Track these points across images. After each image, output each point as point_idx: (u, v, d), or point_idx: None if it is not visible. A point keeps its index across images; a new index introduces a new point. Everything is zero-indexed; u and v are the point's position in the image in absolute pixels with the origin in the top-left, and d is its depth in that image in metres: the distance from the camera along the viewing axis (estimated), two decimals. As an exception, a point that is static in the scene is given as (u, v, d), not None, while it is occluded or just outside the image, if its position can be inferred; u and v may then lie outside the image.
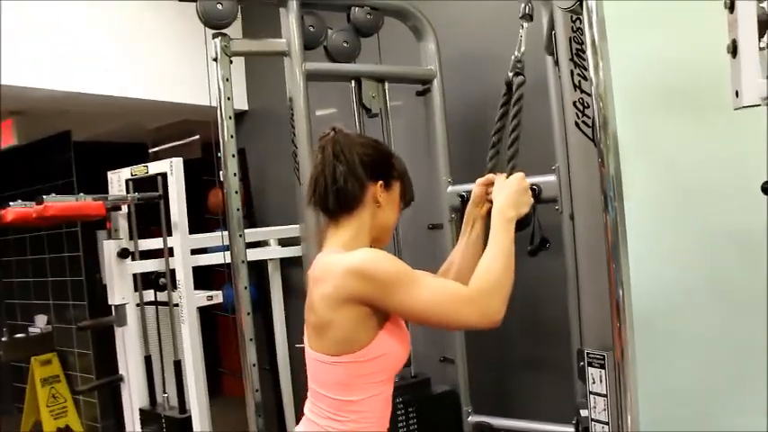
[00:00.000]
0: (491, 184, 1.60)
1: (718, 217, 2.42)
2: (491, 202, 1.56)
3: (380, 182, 1.46)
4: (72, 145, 4.90)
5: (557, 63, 2.13)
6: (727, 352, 2.37)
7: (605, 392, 1.89)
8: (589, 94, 1.95)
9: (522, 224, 1.54)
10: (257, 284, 3.79)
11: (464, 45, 2.98)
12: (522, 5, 1.76)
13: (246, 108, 4.06)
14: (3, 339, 5.11)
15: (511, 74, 1.72)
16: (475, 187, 1.64)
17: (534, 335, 2.94)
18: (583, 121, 1.95)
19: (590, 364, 1.99)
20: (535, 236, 2.61)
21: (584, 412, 2.16)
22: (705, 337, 2.46)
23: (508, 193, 1.50)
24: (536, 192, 1.84)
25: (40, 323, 5.31)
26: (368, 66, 2.74)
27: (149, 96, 3.68)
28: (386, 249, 1.48)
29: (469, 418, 2.81)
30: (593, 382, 1.99)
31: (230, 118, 2.47)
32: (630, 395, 1.71)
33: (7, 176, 5.55)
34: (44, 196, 2.48)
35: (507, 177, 1.57)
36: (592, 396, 2.00)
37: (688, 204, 2.53)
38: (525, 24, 1.76)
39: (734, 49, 1.47)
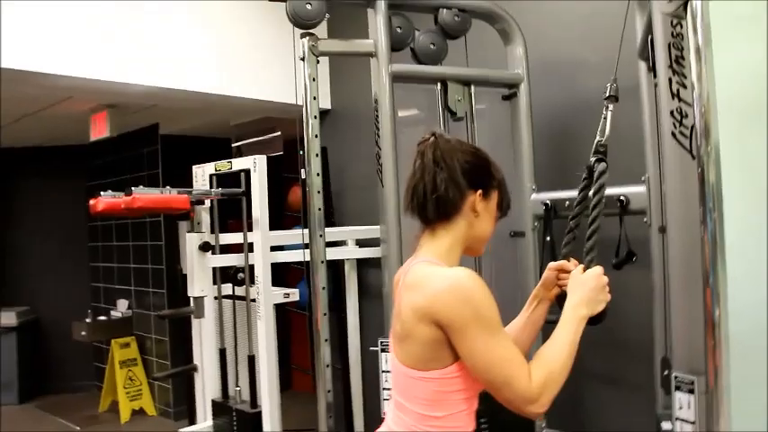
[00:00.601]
0: (564, 270, 1.53)
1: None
2: (560, 287, 1.52)
3: (480, 191, 1.40)
4: (159, 138, 5.08)
5: (651, 70, 2.03)
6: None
7: (694, 419, 1.78)
8: (688, 104, 1.84)
9: (595, 320, 1.45)
10: (332, 284, 3.81)
11: (552, 49, 2.90)
12: (609, 85, 1.67)
13: (329, 107, 4.08)
14: (87, 321, 5.33)
15: (593, 159, 1.63)
16: (546, 271, 1.57)
17: (613, 348, 2.84)
18: (680, 132, 1.84)
19: (678, 389, 1.88)
20: (621, 248, 2.52)
21: (665, 425, 2.06)
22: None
23: (584, 290, 1.42)
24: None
25: (122, 308, 5.53)
26: (454, 68, 2.69)
27: (235, 93, 3.75)
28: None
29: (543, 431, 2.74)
30: (680, 408, 1.88)
31: (315, 117, 2.48)
32: (724, 424, 1.61)
33: (99, 166, 5.81)
34: (133, 188, 2.56)
35: (585, 270, 1.48)
36: (678, 422, 1.90)
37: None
38: (611, 106, 1.67)
39: None
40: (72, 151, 5.85)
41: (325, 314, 2.48)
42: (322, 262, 2.48)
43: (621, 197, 2.47)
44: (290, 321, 5.15)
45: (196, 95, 3.69)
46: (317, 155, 2.48)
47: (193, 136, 5.16)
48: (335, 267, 3.65)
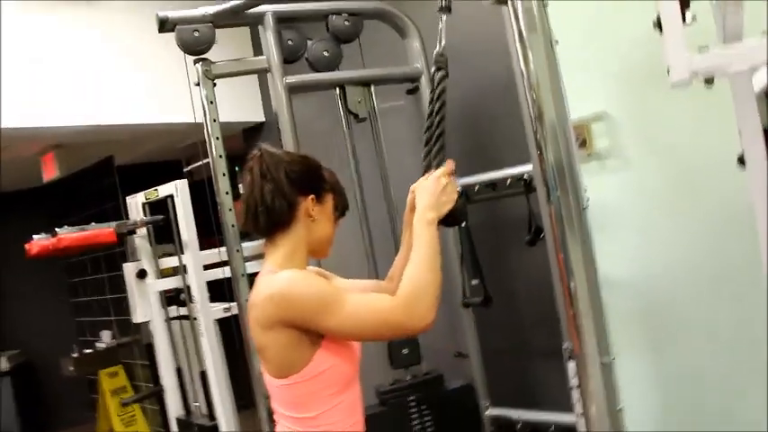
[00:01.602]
0: None
1: (717, 194, 2.35)
2: None
3: (311, 196, 1.46)
4: (115, 169, 5.17)
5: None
6: (731, 340, 2.30)
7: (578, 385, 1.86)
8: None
9: (451, 221, 1.48)
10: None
11: (454, 39, 2.95)
12: None
13: (263, 120, 4.16)
14: (74, 355, 5.45)
15: (433, 68, 1.70)
16: (410, 194, 1.59)
17: (550, 324, 2.91)
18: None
19: (569, 358, 1.96)
20: (532, 226, 2.60)
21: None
22: (708, 323, 2.39)
23: (427, 195, 1.45)
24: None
25: (106, 338, 5.63)
26: (350, 72, 2.77)
27: (171, 119, 3.83)
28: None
29: (488, 412, 2.81)
30: (573, 376, 1.96)
31: (218, 138, 2.56)
32: (593, 386, 1.69)
33: (64, 204, 5.91)
34: (57, 229, 2.66)
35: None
36: (573, 390, 1.99)
37: (687, 183, 2.46)
38: (443, 17, 1.74)
39: (659, 24, 1.42)
40: (38, 192, 5.96)
41: (253, 325, 2.57)
42: (243, 276, 2.57)
43: (525, 176, 2.56)
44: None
45: (136, 127, 3.79)
46: (224, 174, 2.57)
47: (148, 162, 5.26)
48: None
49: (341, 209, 1.56)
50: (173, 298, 3.15)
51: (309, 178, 1.48)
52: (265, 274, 1.44)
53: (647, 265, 2.60)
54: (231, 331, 3.25)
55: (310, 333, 1.35)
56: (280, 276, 1.38)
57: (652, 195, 2.58)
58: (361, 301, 1.37)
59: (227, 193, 2.54)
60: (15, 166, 4.88)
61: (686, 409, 2.52)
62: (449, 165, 1.49)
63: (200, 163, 4.76)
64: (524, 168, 2.51)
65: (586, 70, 2.53)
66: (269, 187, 1.42)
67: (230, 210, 2.55)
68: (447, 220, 1.47)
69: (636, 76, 2.55)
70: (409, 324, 1.32)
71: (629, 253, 2.63)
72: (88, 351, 5.55)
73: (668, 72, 1.46)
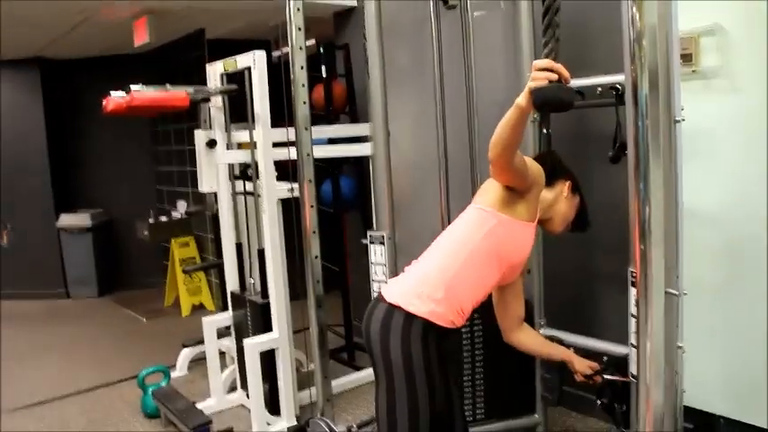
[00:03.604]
0: None
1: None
2: None
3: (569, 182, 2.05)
4: (206, 42, 5.14)
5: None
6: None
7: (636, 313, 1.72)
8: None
9: (545, 108, 1.57)
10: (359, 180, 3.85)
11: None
12: None
13: (354, 4, 3.98)
14: (150, 221, 5.66)
15: None
16: None
17: (620, 255, 2.75)
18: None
19: (633, 284, 1.82)
20: (617, 141, 2.39)
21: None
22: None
23: None
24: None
25: (181, 209, 5.81)
26: (446, -47, 2.56)
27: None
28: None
29: (541, 331, 2.72)
30: (634, 304, 1.82)
31: (298, 10, 2.45)
32: (652, 321, 1.55)
33: (155, 73, 5.97)
34: (132, 86, 2.65)
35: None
36: (631, 318, 1.85)
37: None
38: None
39: None
40: (130, 59, 6.04)
41: (312, 206, 2.53)
42: (308, 155, 2.51)
43: (617, 85, 2.32)
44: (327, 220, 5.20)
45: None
46: (300, 48, 2.47)
47: (238, 39, 5.20)
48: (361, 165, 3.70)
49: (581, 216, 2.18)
50: (241, 173, 3.14)
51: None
52: None
53: (737, 200, 2.37)
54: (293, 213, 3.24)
55: None
56: None
57: (758, 126, 2.31)
58: None
59: (302, 67, 2.45)
60: (110, 30, 4.94)
61: (746, 360, 2.36)
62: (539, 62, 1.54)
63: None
64: (618, 78, 2.28)
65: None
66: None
67: (303, 85, 2.46)
68: (540, 106, 1.54)
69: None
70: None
71: (720, 185, 2.40)
72: (163, 219, 5.76)
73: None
